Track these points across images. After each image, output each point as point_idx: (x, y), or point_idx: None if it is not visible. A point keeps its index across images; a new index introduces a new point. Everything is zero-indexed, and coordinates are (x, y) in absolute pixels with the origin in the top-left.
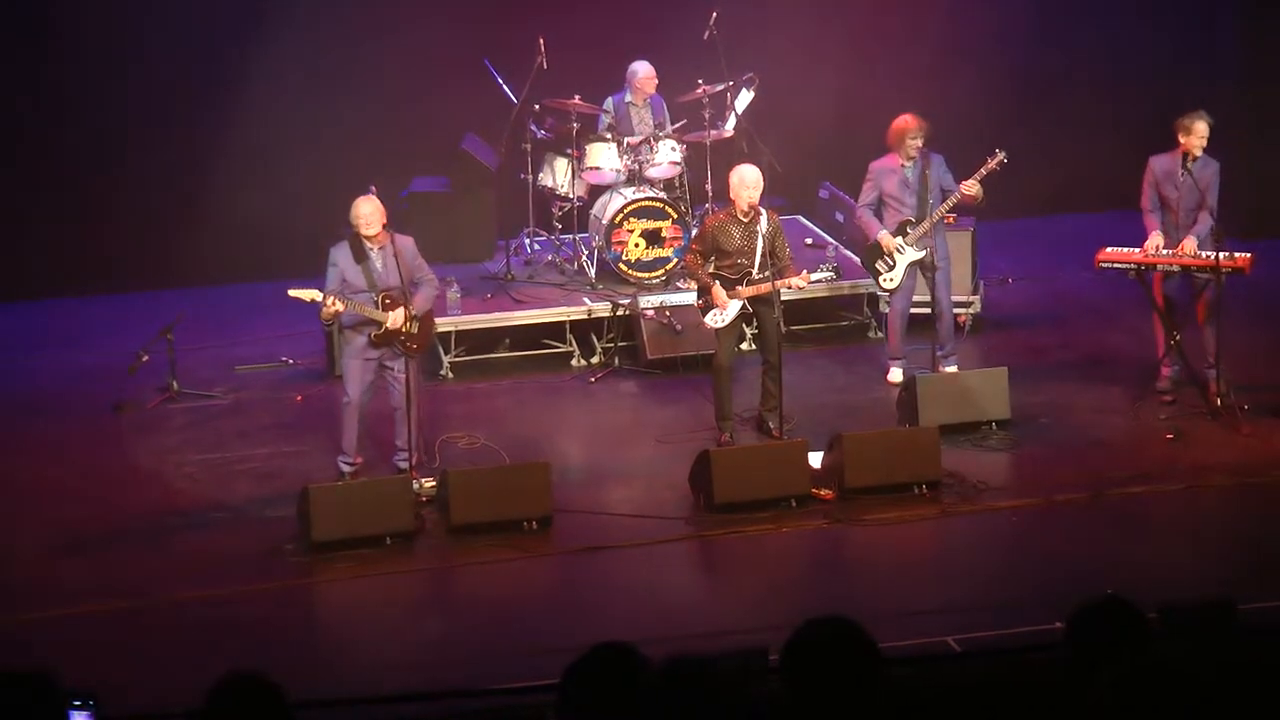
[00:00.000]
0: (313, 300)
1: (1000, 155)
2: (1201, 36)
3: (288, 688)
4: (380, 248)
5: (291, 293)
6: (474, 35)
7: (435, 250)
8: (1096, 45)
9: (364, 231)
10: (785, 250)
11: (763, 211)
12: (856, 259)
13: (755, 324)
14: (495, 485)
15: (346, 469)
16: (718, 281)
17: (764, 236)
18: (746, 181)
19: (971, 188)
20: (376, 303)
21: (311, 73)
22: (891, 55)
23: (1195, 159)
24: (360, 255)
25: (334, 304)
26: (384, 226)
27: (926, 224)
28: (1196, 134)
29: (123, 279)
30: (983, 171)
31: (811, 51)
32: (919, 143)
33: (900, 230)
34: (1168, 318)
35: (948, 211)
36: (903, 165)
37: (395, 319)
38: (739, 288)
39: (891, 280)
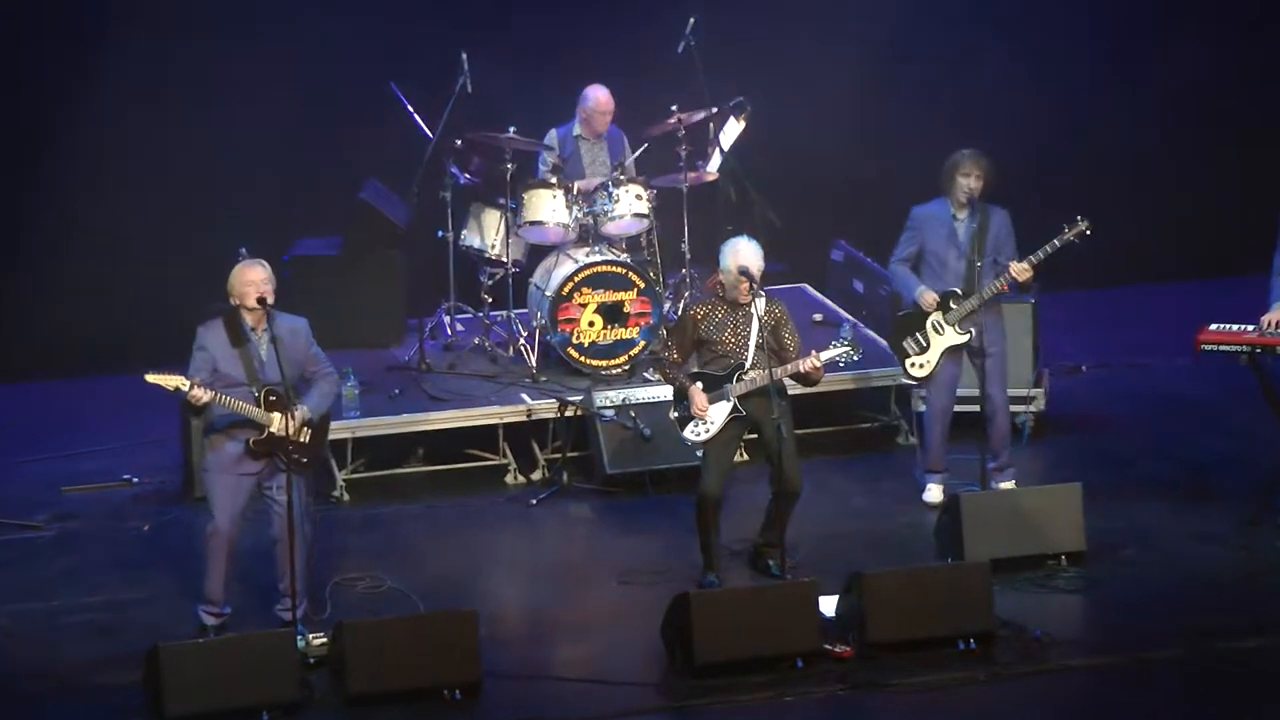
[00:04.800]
0: (176, 390)
1: (1082, 224)
2: None
3: None
4: (263, 330)
5: (150, 378)
6: (378, 52)
7: (326, 332)
8: (1195, 71)
9: (249, 304)
10: (795, 339)
11: (761, 295)
12: (881, 341)
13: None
14: (406, 642)
15: (211, 621)
16: (699, 384)
17: (760, 322)
18: (744, 258)
19: (1023, 273)
20: (257, 400)
21: (157, 100)
22: (930, 77)
23: None
24: (238, 339)
25: (203, 393)
26: (261, 302)
27: (976, 299)
28: None
29: None
30: (1056, 243)
31: (821, 69)
32: (971, 184)
33: (942, 304)
34: None
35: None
36: (954, 216)
37: (282, 423)
38: (729, 385)
39: (922, 367)
